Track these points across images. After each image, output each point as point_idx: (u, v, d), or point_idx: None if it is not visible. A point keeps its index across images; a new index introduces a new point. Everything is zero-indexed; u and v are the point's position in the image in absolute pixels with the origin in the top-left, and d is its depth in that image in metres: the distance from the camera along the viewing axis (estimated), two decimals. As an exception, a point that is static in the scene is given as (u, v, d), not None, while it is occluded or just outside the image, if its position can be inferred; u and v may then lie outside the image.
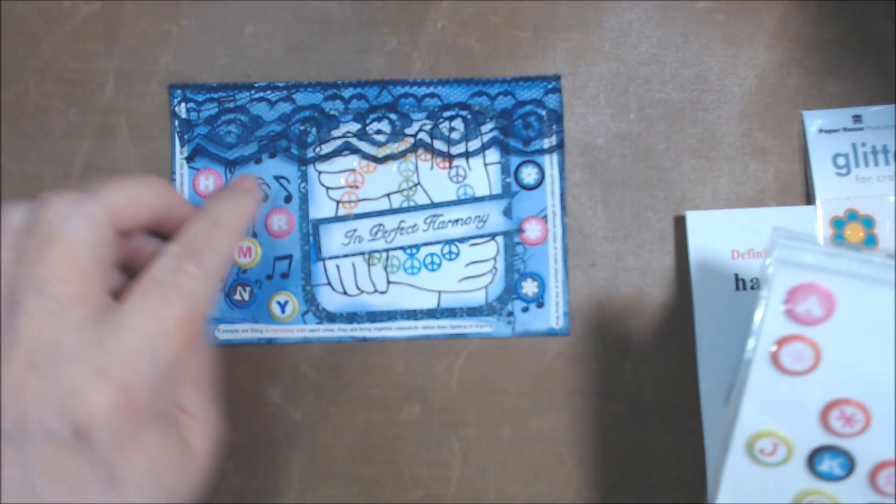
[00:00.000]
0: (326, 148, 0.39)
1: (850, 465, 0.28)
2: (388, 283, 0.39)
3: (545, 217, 0.39)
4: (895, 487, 0.28)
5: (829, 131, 0.38)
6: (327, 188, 0.39)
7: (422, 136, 0.39)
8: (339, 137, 0.39)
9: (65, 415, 0.27)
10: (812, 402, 0.28)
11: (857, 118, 0.38)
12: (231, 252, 0.31)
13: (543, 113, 0.39)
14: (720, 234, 0.37)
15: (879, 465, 0.28)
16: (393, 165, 0.39)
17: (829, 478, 0.29)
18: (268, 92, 0.39)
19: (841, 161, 0.37)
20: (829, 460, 0.28)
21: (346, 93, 0.39)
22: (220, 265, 0.30)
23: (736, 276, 0.37)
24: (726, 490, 0.29)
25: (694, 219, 0.38)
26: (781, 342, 0.27)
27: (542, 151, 0.39)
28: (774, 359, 0.28)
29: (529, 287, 0.38)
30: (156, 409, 0.29)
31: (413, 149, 0.39)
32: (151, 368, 0.28)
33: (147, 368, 0.28)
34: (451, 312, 0.38)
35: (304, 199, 0.39)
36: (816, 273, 0.27)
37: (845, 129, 0.38)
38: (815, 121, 0.38)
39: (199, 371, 0.32)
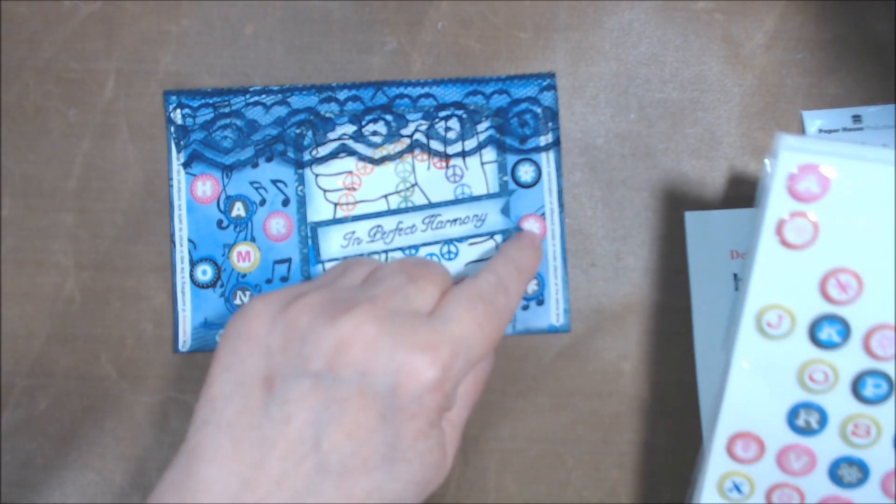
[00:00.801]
0: (323, 150, 0.39)
1: (846, 331, 0.31)
2: (387, 283, 0.39)
3: (543, 215, 0.38)
4: (888, 349, 0.31)
5: (829, 131, 0.38)
6: (325, 191, 0.39)
7: (418, 136, 0.38)
8: (335, 140, 0.39)
9: (393, 371, 0.29)
10: (811, 274, 0.31)
11: (856, 118, 0.37)
12: (522, 296, 0.35)
13: (539, 110, 0.38)
14: (719, 235, 0.37)
15: (872, 329, 0.30)
16: (390, 166, 0.39)
17: (828, 345, 0.31)
18: (263, 96, 0.39)
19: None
20: (828, 328, 0.31)
21: (342, 95, 0.39)
22: (517, 305, 0.34)
23: (735, 276, 0.37)
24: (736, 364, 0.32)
25: (693, 219, 0.38)
26: (784, 220, 0.30)
27: (538, 149, 0.38)
28: (779, 235, 0.30)
29: (529, 285, 0.38)
30: (446, 403, 0.30)
31: (409, 149, 0.39)
32: (464, 362, 0.30)
33: (462, 361, 0.30)
34: (450, 313, 0.38)
35: (302, 203, 0.39)
36: (814, 155, 0.30)
37: (845, 129, 0.37)
38: (814, 121, 0.38)
39: (472, 387, 0.33)
